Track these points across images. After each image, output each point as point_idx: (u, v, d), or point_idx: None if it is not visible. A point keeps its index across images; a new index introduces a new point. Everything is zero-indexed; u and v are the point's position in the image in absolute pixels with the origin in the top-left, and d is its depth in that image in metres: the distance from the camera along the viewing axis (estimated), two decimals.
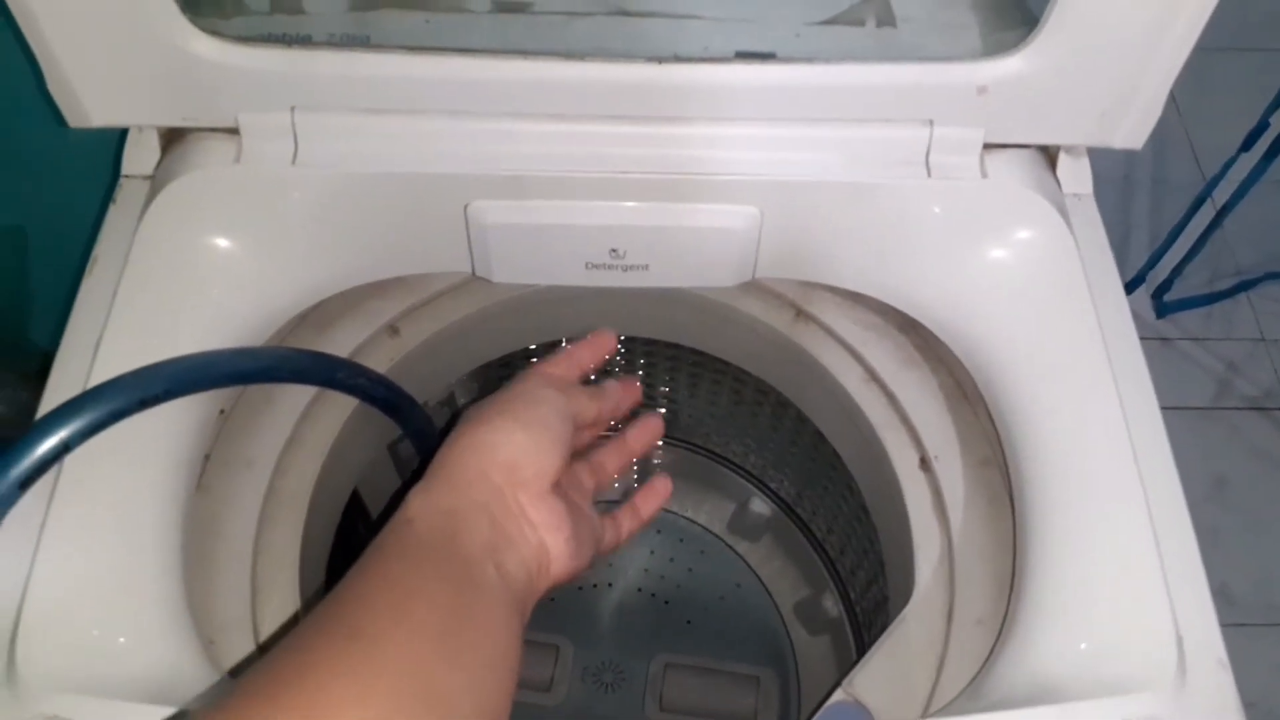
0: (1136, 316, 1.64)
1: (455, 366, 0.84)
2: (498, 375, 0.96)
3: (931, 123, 0.61)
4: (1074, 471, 0.54)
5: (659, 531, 1.14)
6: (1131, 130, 0.59)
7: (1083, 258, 0.60)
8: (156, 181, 0.60)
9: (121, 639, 0.47)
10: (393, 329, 0.76)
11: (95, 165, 0.65)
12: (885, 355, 0.73)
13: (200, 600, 0.59)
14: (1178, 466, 0.54)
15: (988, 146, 0.62)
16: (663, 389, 1.05)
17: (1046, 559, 0.53)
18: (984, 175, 0.61)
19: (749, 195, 0.61)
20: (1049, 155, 0.64)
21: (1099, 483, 0.54)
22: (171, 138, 0.62)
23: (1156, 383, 0.56)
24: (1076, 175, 0.64)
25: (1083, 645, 0.50)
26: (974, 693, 0.53)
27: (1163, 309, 1.68)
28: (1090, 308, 0.58)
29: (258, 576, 0.64)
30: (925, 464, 0.70)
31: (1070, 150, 0.64)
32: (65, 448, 0.51)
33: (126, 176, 0.61)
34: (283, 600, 0.64)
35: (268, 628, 0.63)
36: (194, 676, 0.49)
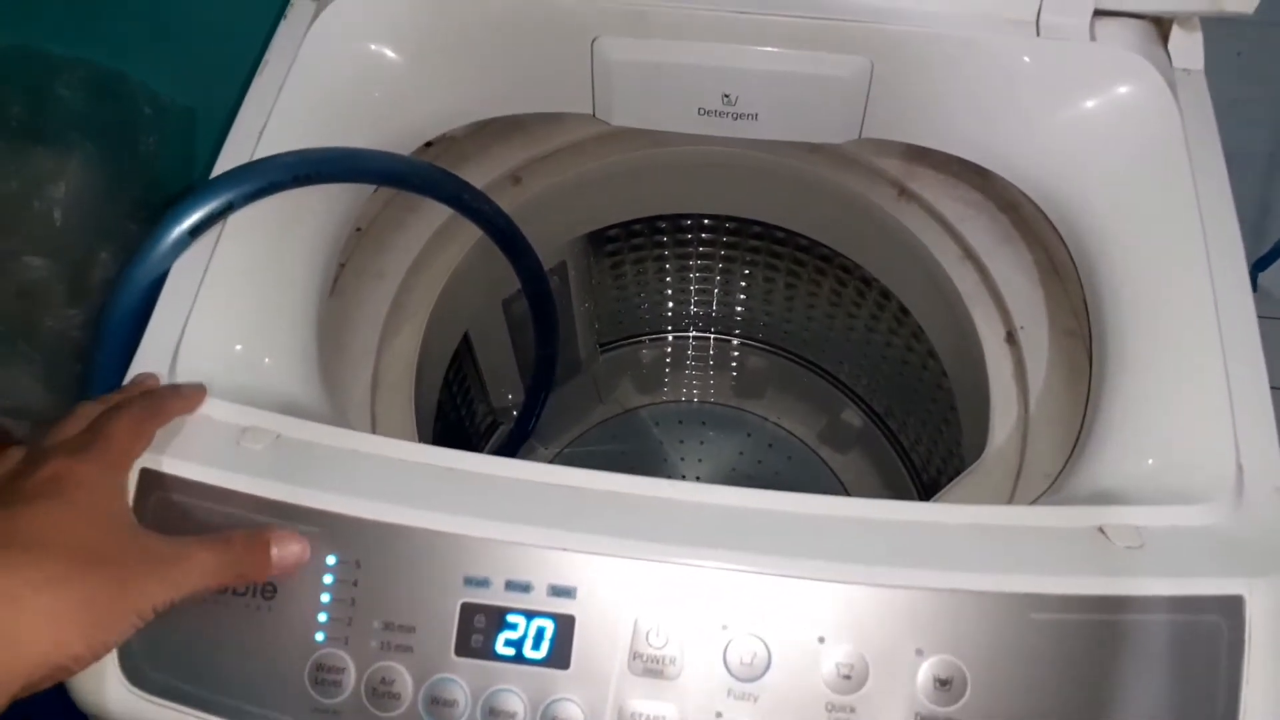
0: (1269, 295, 1.59)
1: (569, 225, 0.90)
2: (606, 252, 1.01)
3: None
4: (1152, 307, 0.56)
5: (749, 435, 1.18)
6: None
7: (1185, 124, 0.61)
8: (322, 2, 0.67)
9: (267, 359, 0.54)
10: (515, 177, 0.82)
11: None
12: (982, 231, 0.75)
13: (328, 386, 0.66)
14: None
15: (1100, 14, 0.64)
16: (763, 293, 1.08)
17: (1120, 385, 0.54)
18: (1093, 39, 0.63)
19: (861, 44, 0.64)
20: (1162, 29, 0.65)
21: (1176, 320, 0.55)
22: None
23: None
24: (1188, 50, 0.65)
25: (1150, 461, 0.52)
26: (1043, 500, 0.55)
27: None
28: (1186, 168, 0.59)
29: (379, 373, 0.71)
30: (1011, 337, 0.72)
31: (1183, 23, 0.64)
32: (229, 206, 0.59)
33: None
34: (398, 396, 0.71)
35: (383, 416, 0.69)
36: (318, 404, 0.56)
